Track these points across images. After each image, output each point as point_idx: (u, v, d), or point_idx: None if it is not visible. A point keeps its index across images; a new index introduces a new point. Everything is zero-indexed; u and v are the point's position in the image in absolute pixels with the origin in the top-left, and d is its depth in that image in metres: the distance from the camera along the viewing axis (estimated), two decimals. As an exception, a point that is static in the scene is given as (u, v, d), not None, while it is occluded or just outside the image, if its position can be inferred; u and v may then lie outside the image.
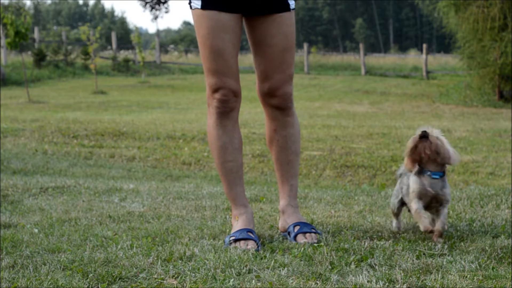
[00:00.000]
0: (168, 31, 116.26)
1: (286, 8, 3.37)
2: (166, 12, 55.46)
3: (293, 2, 3.42)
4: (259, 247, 3.20)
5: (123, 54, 35.09)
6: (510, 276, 2.67)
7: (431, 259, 2.93)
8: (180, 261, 2.95)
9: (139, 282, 2.69)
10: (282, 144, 3.50)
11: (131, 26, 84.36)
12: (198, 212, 4.18)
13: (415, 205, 3.25)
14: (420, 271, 2.76)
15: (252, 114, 14.89)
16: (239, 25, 3.35)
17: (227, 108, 3.36)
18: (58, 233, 3.59)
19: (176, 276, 2.76)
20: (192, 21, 3.43)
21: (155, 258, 2.99)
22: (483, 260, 2.89)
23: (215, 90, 3.34)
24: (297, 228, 3.39)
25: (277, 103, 3.44)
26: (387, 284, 2.61)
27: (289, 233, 3.41)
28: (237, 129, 3.44)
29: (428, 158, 3.26)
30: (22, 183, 5.48)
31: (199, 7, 3.30)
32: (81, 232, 3.60)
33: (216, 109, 3.36)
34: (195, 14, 3.34)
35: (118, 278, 2.73)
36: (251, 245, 3.20)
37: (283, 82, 3.41)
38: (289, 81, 3.43)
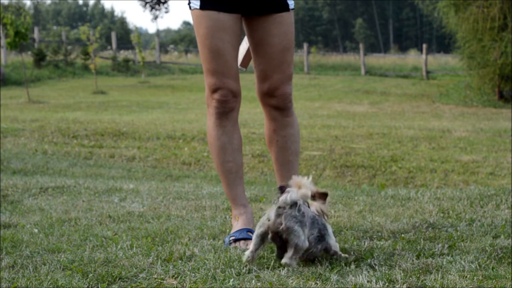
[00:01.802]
0: (168, 31, 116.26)
1: (286, 8, 3.37)
2: (166, 12, 55.49)
3: (292, 2, 3.41)
4: (259, 247, 3.20)
5: (123, 54, 35.08)
6: (510, 276, 2.67)
7: (431, 259, 2.93)
8: (180, 261, 2.95)
9: (139, 282, 2.69)
10: (282, 145, 3.50)
11: (131, 26, 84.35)
12: (198, 212, 4.18)
13: None
14: (420, 271, 2.76)
15: (252, 114, 14.89)
16: (238, 25, 3.34)
17: (226, 108, 3.36)
18: (58, 233, 3.59)
19: (176, 276, 2.76)
20: (192, 21, 3.42)
21: (155, 258, 2.99)
22: (483, 260, 2.89)
23: (214, 91, 3.34)
24: (297, 228, 3.38)
25: (276, 103, 3.44)
26: (387, 284, 2.61)
27: (289, 233, 3.41)
28: (237, 130, 3.43)
29: None
30: (22, 183, 5.48)
31: (198, 7, 3.30)
32: (81, 232, 3.60)
33: (216, 109, 3.36)
34: (194, 14, 3.33)
35: (118, 278, 2.73)
36: (250, 245, 3.20)
37: (283, 82, 3.41)
38: (289, 81, 3.43)
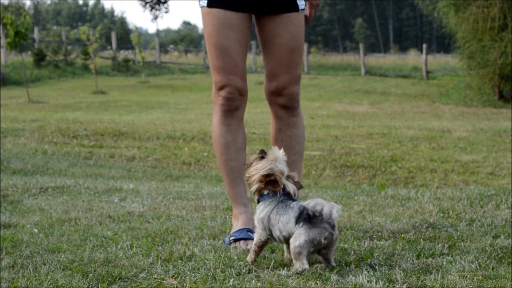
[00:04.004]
0: (168, 31, 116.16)
1: (295, 8, 3.35)
2: (166, 12, 55.40)
3: (303, 2, 3.38)
4: (259, 247, 3.20)
5: (123, 54, 35.08)
6: (510, 276, 2.67)
7: (431, 259, 2.93)
8: (180, 261, 2.95)
9: (139, 282, 2.69)
10: (286, 144, 3.49)
11: (131, 26, 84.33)
12: (198, 212, 4.18)
13: None
14: (420, 271, 2.76)
15: (252, 114, 14.89)
16: (246, 24, 3.34)
17: (232, 106, 3.36)
18: (58, 233, 3.59)
19: (176, 276, 2.76)
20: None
21: (155, 258, 2.99)
22: (483, 260, 2.89)
23: (220, 88, 3.34)
24: (297, 228, 3.38)
25: (283, 102, 3.44)
26: (387, 284, 2.61)
27: (289, 233, 3.40)
28: (242, 129, 3.43)
29: None
30: (22, 183, 5.48)
31: (205, 5, 3.32)
32: (81, 232, 3.60)
33: (221, 106, 3.36)
34: (202, 12, 3.35)
35: (118, 278, 2.73)
36: (251, 245, 3.20)
37: (290, 82, 3.40)
38: (296, 81, 3.42)
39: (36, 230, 3.67)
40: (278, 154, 2.88)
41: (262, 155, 2.90)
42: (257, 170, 2.88)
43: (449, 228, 3.53)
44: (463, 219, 3.75)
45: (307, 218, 2.72)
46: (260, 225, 2.87)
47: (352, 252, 3.04)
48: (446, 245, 3.14)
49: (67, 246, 3.29)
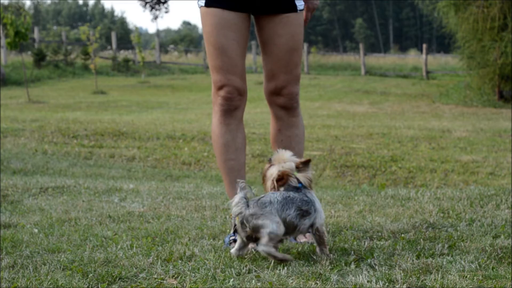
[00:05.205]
0: (168, 31, 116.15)
1: (293, 8, 3.35)
2: (166, 12, 55.41)
3: (302, 3, 3.38)
4: (259, 247, 3.20)
5: (123, 54, 35.08)
6: (510, 276, 2.67)
7: (431, 259, 2.93)
8: (180, 261, 2.95)
9: (139, 282, 2.69)
10: (286, 144, 3.50)
11: (131, 26, 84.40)
12: (198, 212, 4.18)
13: None
14: (420, 271, 2.76)
15: (252, 114, 14.89)
16: (245, 24, 3.34)
17: (231, 106, 3.36)
18: (58, 233, 3.59)
19: (176, 276, 2.76)
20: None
21: (155, 258, 2.99)
22: (483, 260, 2.89)
23: (219, 88, 3.35)
24: (297, 228, 3.38)
25: (283, 102, 3.44)
26: (387, 284, 2.61)
27: (289, 233, 3.40)
28: (241, 129, 3.43)
29: None
30: (22, 183, 5.48)
31: (204, 4, 3.32)
32: (81, 232, 3.60)
33: (221, 106, 3.37)
34: (201, 12, 3.36)
35: (118, 278, 2.73)
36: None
37: (289, 82, 3.40)
38: (295, 81, 3.42)
39: (36, 230, 3.67)
40: (282, 155, 2.98)
41: (271, 164, 3.01)
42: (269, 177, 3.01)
43: (449, 228, 3.53)
44: (463, 219, 3.75)
45: None
46: None
47: (352, 252, 3.04)
48: (446, 245, 3.14)
49: (67, 246, 3.29)
